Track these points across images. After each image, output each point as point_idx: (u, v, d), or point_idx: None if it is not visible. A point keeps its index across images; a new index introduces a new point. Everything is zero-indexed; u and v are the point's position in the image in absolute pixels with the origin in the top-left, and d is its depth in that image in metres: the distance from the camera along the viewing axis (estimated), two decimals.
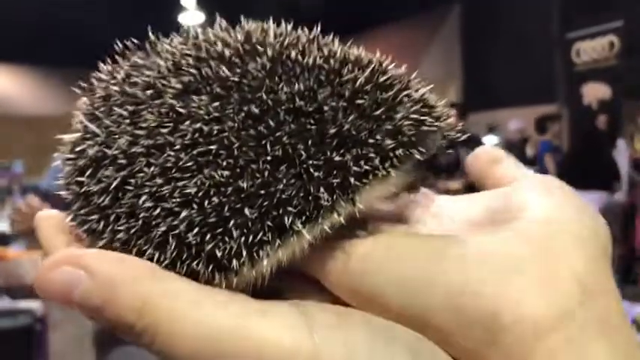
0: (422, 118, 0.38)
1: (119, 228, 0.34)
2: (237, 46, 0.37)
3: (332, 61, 0.37)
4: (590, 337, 0.30)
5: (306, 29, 0.40)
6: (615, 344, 0.31)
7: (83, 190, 0.36)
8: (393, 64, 0.40)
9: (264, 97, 0.34)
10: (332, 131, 0.35)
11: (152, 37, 0.40)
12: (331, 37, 0.40)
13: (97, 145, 0.36)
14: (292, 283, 0.37)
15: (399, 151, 0.36)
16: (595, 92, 7.53)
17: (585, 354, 0.30)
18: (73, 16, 10.00)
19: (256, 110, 0.34)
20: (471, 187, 0.43)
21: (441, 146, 0.39)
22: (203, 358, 0.29)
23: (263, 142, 0.34)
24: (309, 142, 0.34)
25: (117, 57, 0.40)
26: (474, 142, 5.98)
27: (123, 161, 0.35)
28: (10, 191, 8.90)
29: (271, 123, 0.34)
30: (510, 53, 9.00)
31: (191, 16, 10.71)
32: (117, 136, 0.35)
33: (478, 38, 9.90)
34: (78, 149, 0.37)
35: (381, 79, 0.38)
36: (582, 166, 5.51)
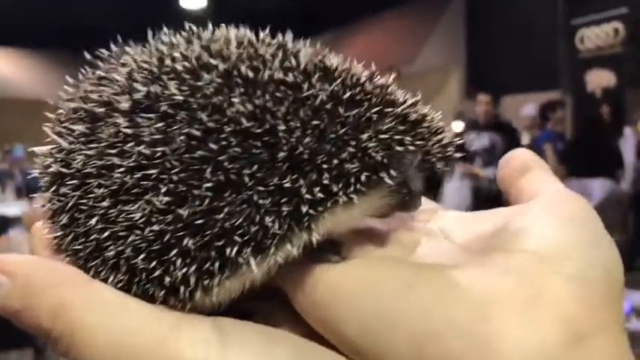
0: (396, 137, 0.34)
1: (77, 247, 0.34)
2: (193, 59, 0.35)
3: (294, 74, 0.34)
4: None
5: (280, 35, 0.38)
6: None
7: (48, 206, 0.36)
8: (375, 75, 0.37)
9: (206, 117, 0.32)
10: (282, 154, 0.32)
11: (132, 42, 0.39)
12: (306, 40, 0.38)
13: (58, 162, 0.36)
14: (263, 305, 0.36)
15: (363, 176, 0.33)
16: (599, 79, 7.48)
17: None
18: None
19: (197, 132, 0.32)
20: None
21: (421, 166, 0.36)
22: None
23: (204, 166, 0.31)
24: (256, 166, 0.31)
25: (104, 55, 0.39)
26: (508, 129, 5.70)
27: (76, 181, 0.34)
28: (11, 175, 8.92)
29: (213, 146, 0.31)
30: (514, 40, 8.94)
31: (193, 1, 10.64)
32: (74, 154, 0.35)
33: (482, 24, 9.83)
34: (45, 164, 0.37)
35: (347, 95, 0.34)
36: (585, 153, 5.51)
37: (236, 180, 0.31)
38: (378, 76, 0.37)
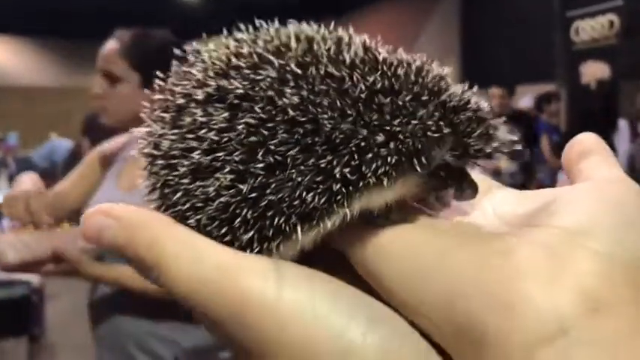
0: (429, 123, 0.37)
1: (168, 215, 0.40)
2: (254, 56, 0.40)
3: (339, 68, 0.38)
4: (587, 358, 0.28)
5: (336, 29, 0.42)
6: None
7: (145, 183, 0.43)
8: (427, 64, 0.40)
9: (259, 108, 0.37)
10: (321, 139, 0.36)
11: (197, 47, 0.44)
12: (360, 35, 0.42)
13: (149, 145, 0.42)
14: (325, 263, 0.39)
15: (392, 159, 0.36)
16: (593, 71, 7.49)
17: None
18: None
19: (252, 121, 0.37)
20: (525, 168, 0.43)
21: (459, 156, 0.39)
22: (196, 296, 0.35)
23: (258, 149, 0.37)
24: (297, 149, 0.36)
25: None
26: (525, 118, 5.86)
27: (164, 161, 0.40)
28: (5, 163, 8.88)
29: (264, 132, 0.37)
30: (510, 31, 8.93)
31: None
32: (162, 138, 0.41)
33: (477, 15, 9.82)
34: (140, 147, 0.44)
35: (385, 84, 0.37)
36: None
37: (282, 161, 0.36)
38: (430, 65, 0.40)
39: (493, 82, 5.90)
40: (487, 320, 0.30)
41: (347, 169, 0.36)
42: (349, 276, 0.37)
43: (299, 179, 0.36)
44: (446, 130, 0.37)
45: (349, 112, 0.36)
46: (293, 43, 0.40)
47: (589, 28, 7.96)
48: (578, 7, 8.01)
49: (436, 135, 0.37)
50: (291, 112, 0.36)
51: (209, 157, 0.38)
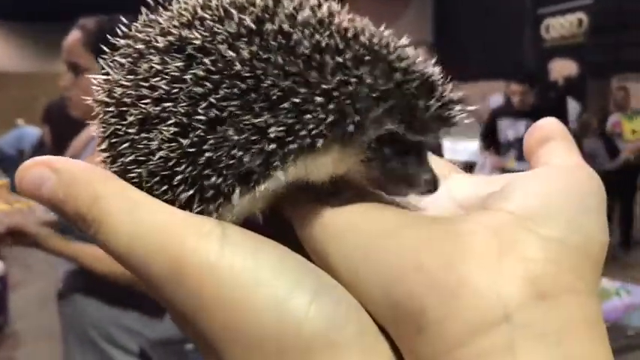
0: (369, 82, 0.35)
1: (114, 170, 0.38)
2: (220, 9, 0.38)
3: (290, 26, 0.36)
4: (529, 344, 0.28)
5: None
6: (561, 355, 0.28)
7: (97, 133, 0.41)
8: (389, 35, 0.38)
9: (210, 60, 0.36)
10: (259, 96, 0.35)
11: None
12: None
13: (104, 92, 0.40)
14: (277, 225, 0.39)
15: (328, 120, 0.34)
16: (561, 68, 7.62)
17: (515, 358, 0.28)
18: None
19: (201, 73, 0.35)
20: None
21: (403, 127, 0.36)
22: (135, 254, 0.34)
23: (201, 102, 0.35)
24: (236, 104, 0.35)
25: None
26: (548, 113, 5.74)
27: (115, 110, 0.38)
28: None
29: (209, 85, 0.35)
30: (481, 27, 9.02)
31: None
32: (116, 85, 0.39)
33: (450, 11, 9.89)
34: (95, 94, 0.41)
35: (329, 43, 0.35)
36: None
37: (222, 116, 0.35)
38: (390, 36, 0.38)
39: (465, 77, 5.91)
40: (426, 303, 0.29)
41: (281, 129, 0.34)
42: (302, 249, 0.36)
43: (235, 137, 0.34)
44: (386, 88, 0.35)
45: (290, 69, 0.35)
46: (258, 1, 0.38)
47: (559, 26, 8.10)
48: (549, 5, 8.13)
49: (374, 95, 0.35)
50: (237, 67, 0.35)
51: (158, 108, 0.36)
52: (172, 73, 0.36)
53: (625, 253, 6.45)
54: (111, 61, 0.41)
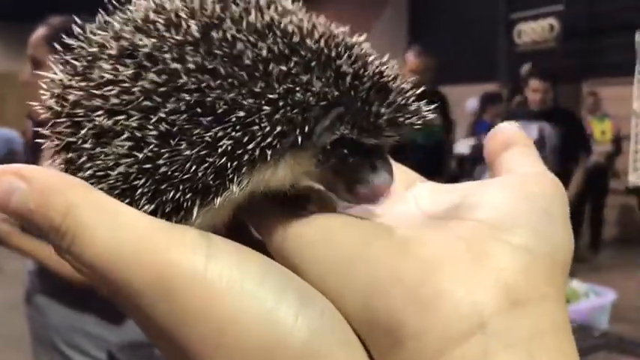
0: (314, 90, 0.34)
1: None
2: (172, 15, 0.36)
3: (237, 33, 0.35)
4: (504, 353, 0.28)
5: None
6: None
7: (48, 144, 0.39)
8: (342, 35, 0.37)
9: (155, 72, 0.34)
10: (206, 109, 0.33)
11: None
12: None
13: (54, 98, 0.38)
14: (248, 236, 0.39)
15: (275, 132, 0.33)
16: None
17: None
18: None
19: (148, 85, 0.34)
20: None
21: (355, 131, 0.35)
22: (114, 267, 0.32)
23: (151, 116, 0.34)
24: (185, 118, 0.33)
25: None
26: (568, 117, 4.56)
27: (67, 119, 0.36)
28: None
29: (157, 98, 0.34)
30: (455, 31, 9.11)
31: None
32: (69, 90, 0.37)
33: (425, 15, 9.96)
34: (45, 100, 0.39)
35: (274, 52, 0.34)
36: None
37: (172, 131, 0.34)
38: (346, 37, 0.37)
39: (438, 80, 5.91)
40: (404, 317, 0.29)
41: (230, 142, 0.33)
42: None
43: (187, 152, 0.33)
44: (334, 95, 0.34)
45: (235, 80, 0.33)
46: (209, 6, 0.36)
47: (531, 31, 8.22)
48: (521, 10, 8.25)
49: (323, 103, 0.34)
50: (182, 79, 0.34)
51: (110, 121, 0.34)
52: (123, 84, 0.34)
53: (594, 255, 6.55)
54: (63, 62, 0.39)
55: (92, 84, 0.36)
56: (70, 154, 0.36)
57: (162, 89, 0.34)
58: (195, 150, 0.33)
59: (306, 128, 0.34)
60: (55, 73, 0.38)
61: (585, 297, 2.81)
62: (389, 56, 0.38)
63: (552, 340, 0.29)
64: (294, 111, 0.34)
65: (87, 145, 0.35)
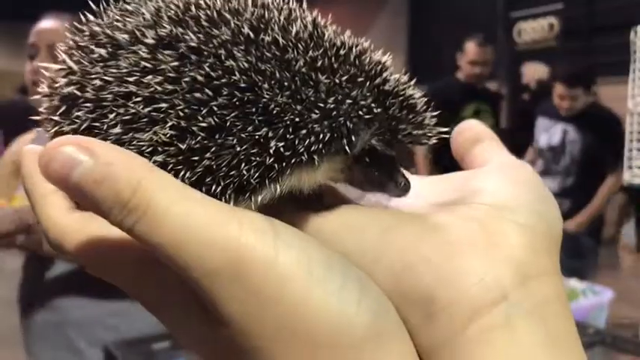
0: (362, 104, 0.37)
1: None
2: (214, 11, 0.37)
3: (286, 39, 0.37)
4: (523, 319, 0.32)
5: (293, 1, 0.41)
6: (547, 327, 0.32)
7: (55, 129, 0.38)
8: (370, 49, 0.40)
9: (208, 66, 0.35)
10: (258, 109, 0.35)
11: None
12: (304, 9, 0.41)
13: (72, 84, 0.37)
14: None
15: (326, 138, 0.36)
16: (533, 72, 7.72)
17: (516, 334, 0.32)
18: None
19: (200, 77, 0.35)
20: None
21: (381, 141, 0.39)
22: (185, 247, 0.31)
23: (201, 108, 0.34)
24: (236, 115, 0.35)
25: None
26: (604, 121, 3.65)
27: (91, 105, 0.36)
28: None
29: (209, 92, 0.34)
30: (456, 30, 9.10)
31: None
32: (91, 77, 0.36)
33: (425, 13, 9.96)
34: (56, 85, 0.38)
35: (324, 62, 0.37)
36: (517, 144, 5.59)
37: (222, 125, 0.34)
38: (372, 51, 0.40)
39: (439, 78, 5.90)
40: (434, 291, 0.33)
41: (281, 144, 0.35)
42: None
43: (237, 148, 0.34)
44: (377, 112, 0.38)
45: (287, 85, 0.36)
46: (250, 7, 0.38)
47: (531, 30, 8.21)
48: (521, 9, 8.24)
49: (367, 117, 0.37)
50: (235, 76, 0.35)
51: (149, 108, 0.34)
52: (168, 74, 0.35)
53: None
54: (83, 48, 0.39)
55: (124, 71, 0.36)
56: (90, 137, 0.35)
57: (215, 83, 0.35)
58: (244, 147, 0.35)
59: (352, 138, 0.37)
60: (73, 59, 0.38)
61: (583, 296, 2.81)
62: (390, 54, 0.42)
63: (558, 306, 0.34)
64: (342, 121, 0.36)
65: (116, 130, 0.35)
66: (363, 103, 0.37)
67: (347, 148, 0.37)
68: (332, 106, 0.36)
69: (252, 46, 0.36)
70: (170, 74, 0.35)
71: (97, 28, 0.39)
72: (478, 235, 0.35)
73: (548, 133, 3.92)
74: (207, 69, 0.35)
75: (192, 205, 0.32)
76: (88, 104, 0.36)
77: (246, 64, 0.35)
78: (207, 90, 0.35)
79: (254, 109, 0.35)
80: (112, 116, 0.35)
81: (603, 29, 7.28)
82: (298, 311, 0.31)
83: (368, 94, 0.38)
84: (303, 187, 0.38)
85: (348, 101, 0.37)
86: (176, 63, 0.35)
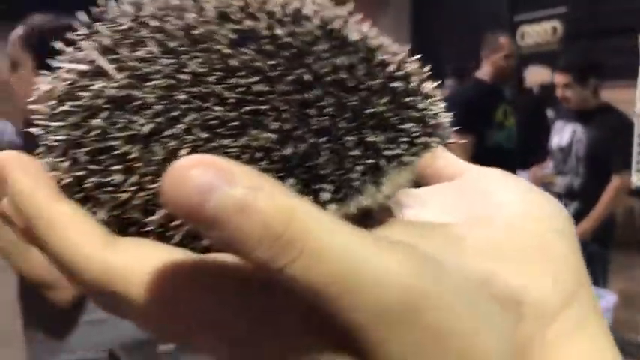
0: (433, 109, 0.38)
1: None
2: (289, 8, 0.34)
3: (366, 41, 0.36)
4: (591, 317, 0.33)
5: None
6: (603, 326, 0.34)
7: (93, 134, 0.31)
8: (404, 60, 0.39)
9: (312, 63, 0.32)
10: (369, 110, 0.34)
11: None
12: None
13: (118, 85, 0.31)
14: None
15: (422, 139, 0.36)
16: (536, 76, 7.73)
17: (588, 332, 0.33)
18: None
19: (307, 77, 0.31)
20: None
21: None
22: (344, 286, 0.26)
23: (308, 110, 0.31)
24: (349, 116, 0.33)
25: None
26: (614, 120, 3.60)
27: (159, 107, 0.30)
28: None
29: (317, 92, 0.32)
30: (459, 31, 9.11)
31: None
32: (150, 76, 0.31)
33: (428, 15, 9.97)
34: (81, 85, 0.32)
35: (404, 69, 0.37)
36: (525, 148, 5.55)
37: (331, 127, 0.32)
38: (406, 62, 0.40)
39: (443, 78, 5.89)
40: (523, 296, 0.32)
41: (393, 145, 0.35)
42: None
43: (348, 152, 0.32)
44: (442, 117, 0.39)
45: (392, 86, 0.35)
46: (327, 5, 0.37)
47: (534, 33, 8.22)
48: (525, 12, 8.25)
49: (428, 130, 0.38)
50: (343, 74, 0.33)
51: (241, 110, 0.30)
52: (266, 73, 0.31)
53: None
54: (106, 50, 0.33)
55: (200, 70, 0.31)
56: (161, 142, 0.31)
57: (324, 80, 0.32)
58: (356, 152, 0.33)
59: (438, 138, 0.38)
60: (108, 59, 0.32)
61: None
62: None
63: (600, 317, 0.34)
64: (426, 130, 0.37)
65: (192, 137, 0.30)
66: (429, 113, 0.38)
67: (435, 146, 0.38)
68: (423, 109, 0.37)
69: (346, 45, 0.35)
70: (271, 74, 0.31)
71: (132, 24, 0.33)
72: (529, 241, 0.34)
73: (560, 134, 3.83)
74: (318, 67, 0.32)
75: (349, 236, 0.27)
76: (154, 106, 0.30)
77: (347, 61, 0.33)
78: (315, 91, 0.32)
79: (366, 111, 0.33)
80: (183, 120, 0.30)
81: (607, 33, 7.28)
82: (473, 341, 0.29)
83: (424, 110, 0.38)
84: (396, 190, 0.37)
85: (434, 107, 0.38)
86: (274, 61, 0.31)
